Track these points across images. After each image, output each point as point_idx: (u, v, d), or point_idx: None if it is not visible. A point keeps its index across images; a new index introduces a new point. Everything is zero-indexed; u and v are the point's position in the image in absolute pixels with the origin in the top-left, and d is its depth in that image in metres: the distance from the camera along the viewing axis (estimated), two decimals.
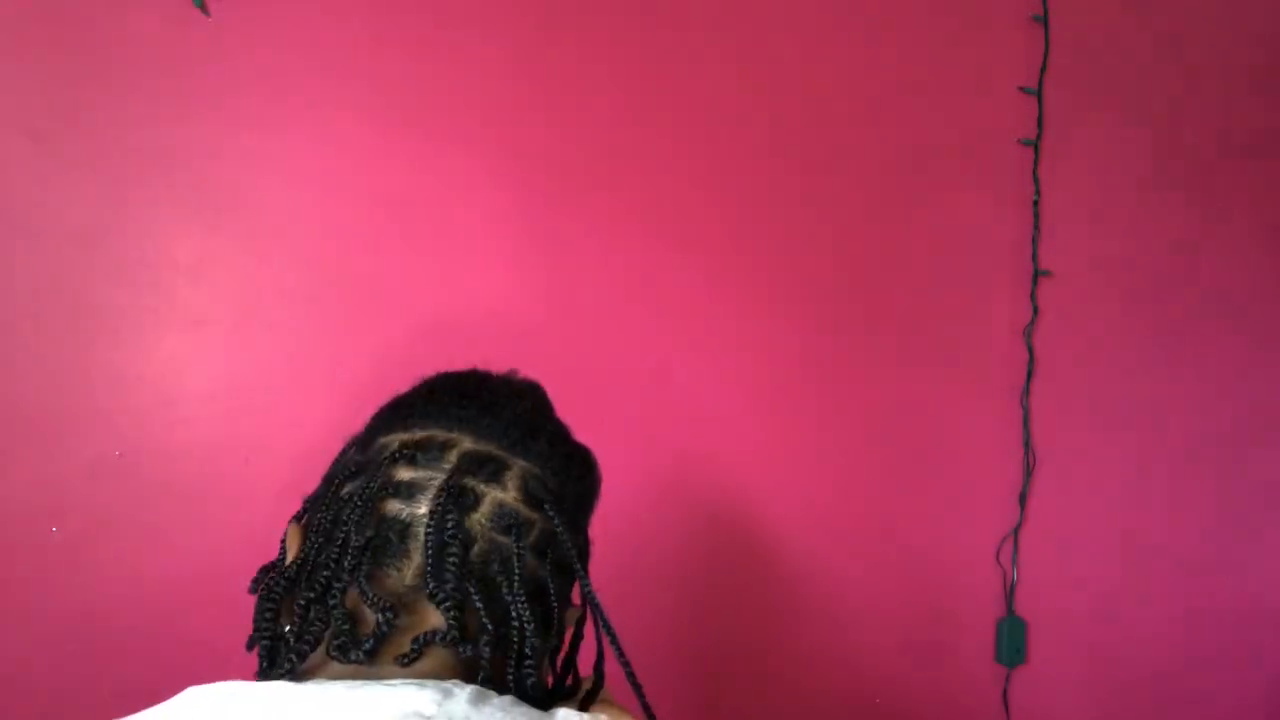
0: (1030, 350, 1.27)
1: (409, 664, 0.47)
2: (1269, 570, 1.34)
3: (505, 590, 0.50)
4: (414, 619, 0.49)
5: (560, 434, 0.60)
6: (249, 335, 1.03)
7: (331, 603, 0.49)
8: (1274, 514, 1.34)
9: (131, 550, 0.99)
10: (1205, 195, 1.33)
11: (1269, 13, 1.35)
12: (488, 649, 0.48)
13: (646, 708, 0.55)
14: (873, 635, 1.22)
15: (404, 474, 0.52)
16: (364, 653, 0.46)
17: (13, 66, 0.96)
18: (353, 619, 0.48)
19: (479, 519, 0.51)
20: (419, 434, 0.54)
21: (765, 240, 1.19)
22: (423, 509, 0.51)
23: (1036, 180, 1.27)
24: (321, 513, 0.53)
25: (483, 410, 0.55)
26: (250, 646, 0.52)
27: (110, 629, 0.98)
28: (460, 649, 0.48)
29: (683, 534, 1.16)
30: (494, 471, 0.53)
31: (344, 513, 0.52)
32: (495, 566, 0.51)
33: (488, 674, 0.48)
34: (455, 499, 0.50)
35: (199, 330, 1.02)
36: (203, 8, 1.00)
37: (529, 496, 0.53)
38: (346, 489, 0.54)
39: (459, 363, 0.61)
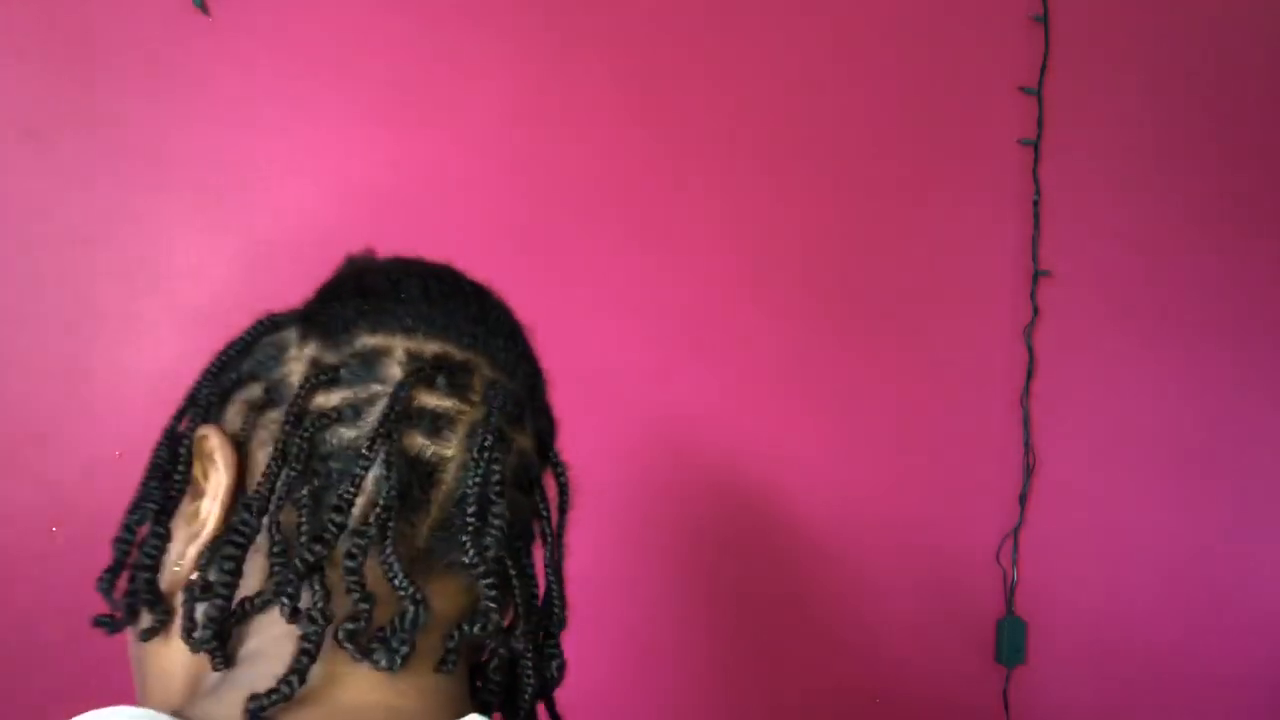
0: (1030, 350, 1.27)
1: (450, 669, 0.38)
2: (1270, 570, 1.34)
3: (526, 560, 0.43)
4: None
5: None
6: None
7: (350, 565, 0.37)
8: (1275, 513, 1.34)
9: None
10: (1205, 195, 1.33)
11: (1270, 12, 1.35)
12: (523, 638, 0.41)
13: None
14: (872, 634, 1.22)
15: (427, 400, 0.41)
16: (400, 658, 0.36)
17: (13, 66, 0.96)
18: (372, 599, 0.37)
19: (505, 471, 0.42)
20: (430, 346, 0.42)
21: (765, 240, 1.19)
22: (451, 450, 0.41)
23: (1036, 180, 1.27)
24: (289, 429, 0.40)
25: (494, 329, 0.46)
26: (106, 587, 0.43)
27: None
28: (495, 635, 0.39)
29: (680, 534, 1.16)
30: (517, 414, 0.44)
31: (327, 434, 0.40)
32: (516, 529, 0.42)
33: (501, 663, 0.41)
34: (498, 443, 0.41)
35: (199, 330, 1.02)
36: (203, 8, 1.00)
37: (542, 446, 0.46)
38: (321, 400, 0.41)
39: None
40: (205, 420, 0.44)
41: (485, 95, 1.10)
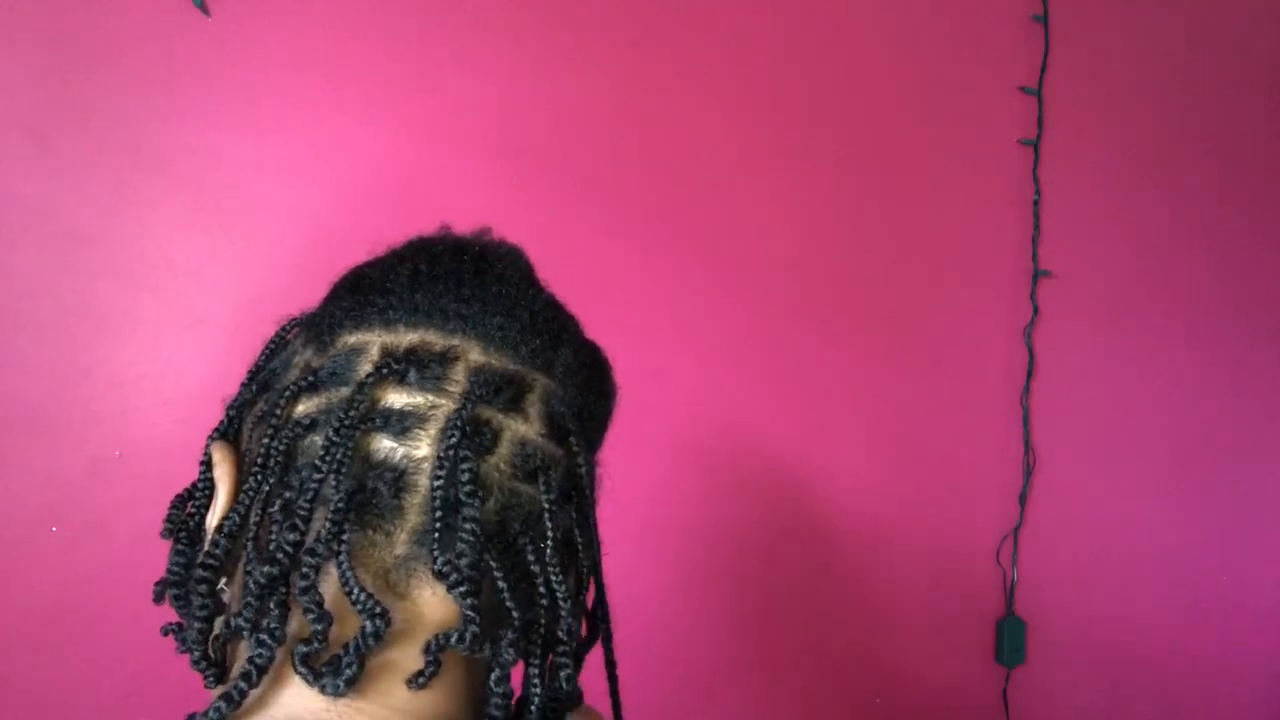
0: (1030, 350, 1.27)
1: (420, 685, 0.35)
2: (1269, 570, 1.34)
3: (532, 559, 0.39)
4: (402, 605, 0.37)
5: (580, 335, 0.47)
6: (249, 335, 1.03)
7: (303, 585, 0.35)
8: (1274, 513, 1.34)
9: (132, 550, 0.99)
10: (1205, 195, 1.33)
11: (1269, 12, 1.35)
12: (511, 650, 0.37)
13: (614, 694, 0.48)
14: (872, 635, 1.22)
15: (394, 398, 0.39)
16: (344, 683, 0.34)
17: (13, 66, 0.96)
18: (327, 619, 0.35)
19: (496, 464, 0.39)
20: (408, 337, 0.40)
21: (765, 239, 1.19)
22: (423, 450, 0.38)
23: (1036, 180, 1.27)
24: (269, 439, 0.39)
25: (491, 306, 0.42)
26: (160, 598, 0.43)
27: (111, 629, 0.98)
28: (475, 649, 0.36)
29: (678, 534, 1.16)
30: (514, 397, 0.40)
31: (303, 444, 0.39)
32: (516, 527, 0.39)
33: (502, 675, 0.36)
34: (470, 438, 0.38)
35: (199, 330, 1.02)
36: (203, 8, 1.00)
37: (554, 427, 0.42)
38: (303, 407, 0.40)
39: None
40: (224, 435, 0.45)
41: (485, 94, 1.10)
